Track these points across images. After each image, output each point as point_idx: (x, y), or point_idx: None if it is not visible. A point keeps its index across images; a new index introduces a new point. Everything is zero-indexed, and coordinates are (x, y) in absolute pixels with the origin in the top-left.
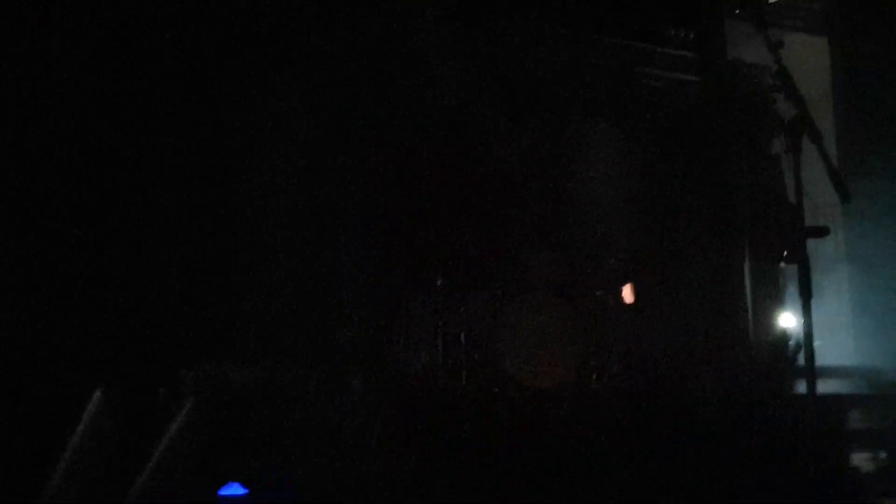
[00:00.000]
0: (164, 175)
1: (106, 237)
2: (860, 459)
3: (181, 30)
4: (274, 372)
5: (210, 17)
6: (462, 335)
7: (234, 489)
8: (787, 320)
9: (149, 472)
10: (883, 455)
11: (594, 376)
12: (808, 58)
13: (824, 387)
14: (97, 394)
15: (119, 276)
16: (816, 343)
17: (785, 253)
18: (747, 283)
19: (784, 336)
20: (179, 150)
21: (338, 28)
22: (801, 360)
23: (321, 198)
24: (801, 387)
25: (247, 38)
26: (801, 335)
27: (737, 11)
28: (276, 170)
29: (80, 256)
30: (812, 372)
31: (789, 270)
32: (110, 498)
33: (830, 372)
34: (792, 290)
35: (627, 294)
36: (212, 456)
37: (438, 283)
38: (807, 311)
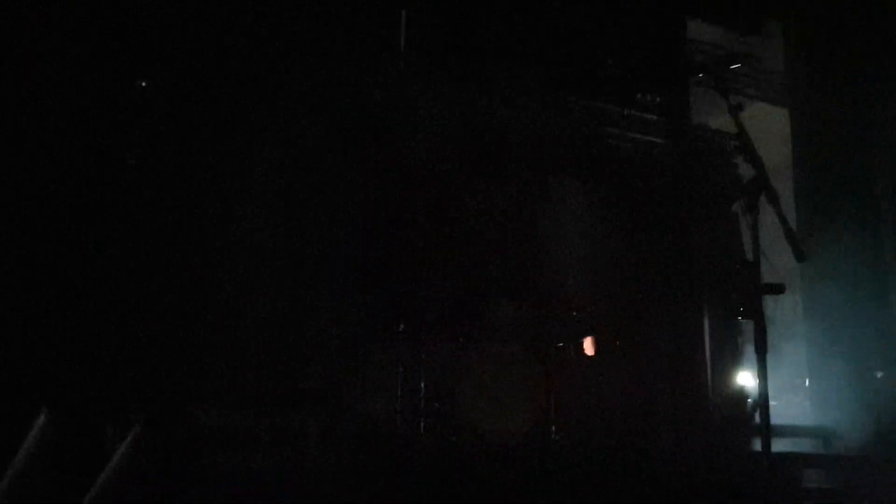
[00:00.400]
0: (133, 211)
1: (73, 264)
2: None
3: (160, 74)
4: (230, 413)
5: (190, 60)
6: (422, 383)
7: None
8: (746, 379)
9: (92, 494)
10: None
11: (553, 428)
12: (771, 127)
13: (780, 446)
14: (42, 416)
15: (81, 305)
16: (773, 403)
17: (742, 309)
18: (706, 339)
19: (742, 394)
20: (154, 185)
21: (314, 79)
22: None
23: (287, 242)
24: (758, 444)
25: (223, 83)
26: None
27: (700, 76)
28: (242, 214)
29: (47, 279)
30: (767, 428)
31: (748, 329)
32: None
33: (786, 431)
34: (751, 349)
35: (588, 347)
36: (157, 484)
37: (400, 328)
38: (762, 367)
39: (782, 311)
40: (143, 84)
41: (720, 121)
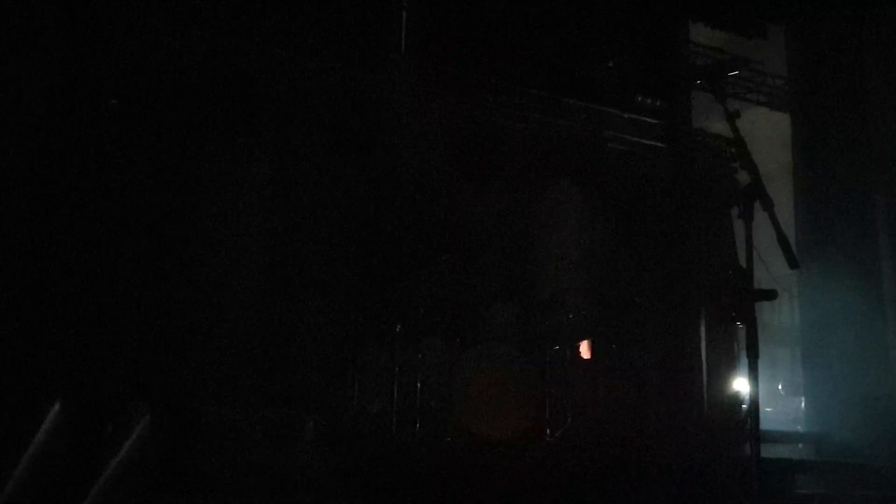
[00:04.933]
0: (136, 218)
1: (84, 269)
2: None
3: (148, 86)
4: (227, 410)
5: (184, 75)
6: (418, 383)
7: None
8: (741, 385)
9: (100, 485)
10: None
11: (547, 430)
12: (772, 132)
13: (775, 451)
14: (56, 405)
15: (91, 308)
16: (768, 409)
17: (734, 314)
18: (703, 344)
19: (737, 399)
20: (154, 191)
21: (311, 89)
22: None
23: (282, 244)
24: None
25: (214, 96)
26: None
27: (698, 82)
28: (240, 218)
29: (59, 283)
30: (757, 433)
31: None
32: None
33: (780, 437)
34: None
35: (584, 350)
36: (162, 475)
37: (397, 329)
38: (753, 372)
39: (780, 317)
40: (114, 102)
41: (720, 125)
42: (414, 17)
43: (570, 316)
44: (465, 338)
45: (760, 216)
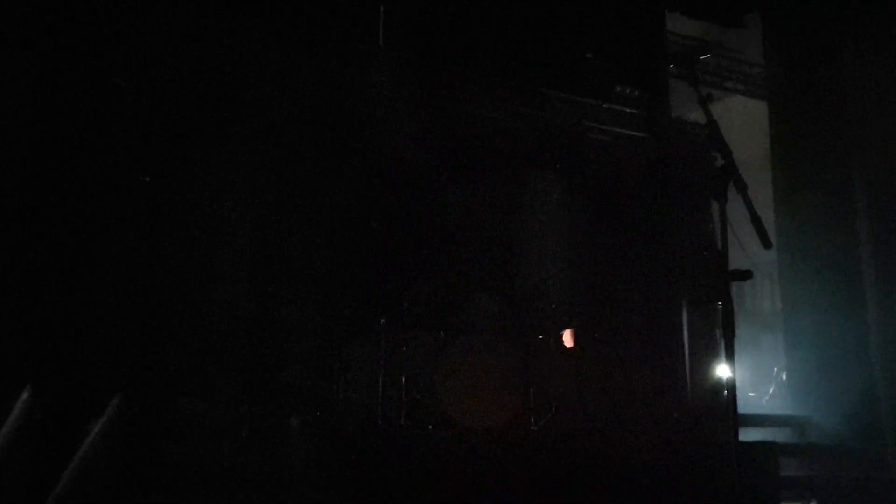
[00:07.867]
0: (121, 211)
1: (65, 259)
2: None
3: (140, 73)
4: (210, 405)
5: (167, 59)
6: (403, 375)
7: None
8: (724, 369)
9: (71, 471)
10: (814, 503)
11: (532, 418)
12: (750, 120)
13: (757, 435)
14: (25, 393)
15: (72, 297)
16: (751, 394)
17: (709, 294)
18: (684, 330)
19: (720, 384)
20: (139, 185)
21: (290, 83)
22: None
23: (266, 238)
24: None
25: (194, 92)
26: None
27: (671, 66)
28: (225, 213)
29: (40, 274)
30: (735, 415)
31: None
32: (34, 494)
33: (764, 420)
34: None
35: (568, 339)
36: (140, 472)
37: (381, 321)
38: (729, 352)
39: (760, 302)
40: (122, 83)
41: (699, 113)
42: (392, 9)
43: (553, 305)
44: (449, 329)
45: (738, 202)
